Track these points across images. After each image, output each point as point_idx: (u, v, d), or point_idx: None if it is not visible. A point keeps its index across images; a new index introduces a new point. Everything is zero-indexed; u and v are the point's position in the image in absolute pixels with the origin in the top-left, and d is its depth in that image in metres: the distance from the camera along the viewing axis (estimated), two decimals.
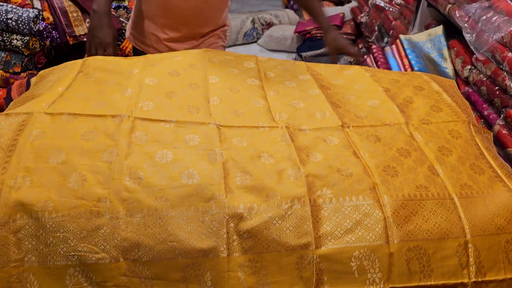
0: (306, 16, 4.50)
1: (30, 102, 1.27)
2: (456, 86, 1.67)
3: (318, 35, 3.99)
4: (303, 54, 3.83)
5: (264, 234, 1.03)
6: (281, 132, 1.25)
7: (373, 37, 3.37)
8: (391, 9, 3.21)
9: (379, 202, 1.08)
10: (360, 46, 3.63)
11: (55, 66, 1.58)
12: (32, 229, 1.00)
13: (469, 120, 1.37)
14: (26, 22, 2.42)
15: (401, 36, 2.44)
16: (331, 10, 4.52)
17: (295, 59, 3.04)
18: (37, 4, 2.67)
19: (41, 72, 1.57)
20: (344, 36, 3.63)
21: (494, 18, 1.76)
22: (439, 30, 2.31)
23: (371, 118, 1.35)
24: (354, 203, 1.08)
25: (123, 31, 2.94)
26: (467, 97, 1.92)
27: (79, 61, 1.54)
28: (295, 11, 5.33)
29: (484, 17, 1.81)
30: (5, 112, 1.22)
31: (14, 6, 2.48)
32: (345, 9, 4.41)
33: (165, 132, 1.19)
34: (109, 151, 1.11)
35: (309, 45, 3.95)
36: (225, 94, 1.39)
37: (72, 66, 1.51)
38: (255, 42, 4.74)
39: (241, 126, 1.25)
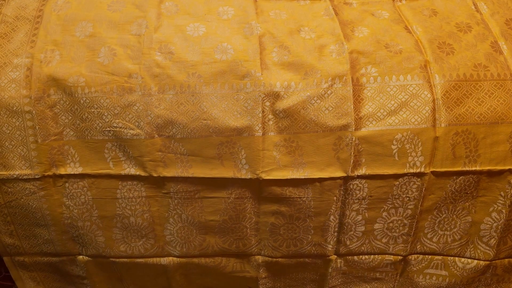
0: None
1: None
2: None
3: None
4: None
5: (301, 114, 0.98)
6: (324, 5, 1.12)
7: None
8: None
9: (429, 82, 0.99)
10: None
11: None
12: (67, 104, 1.00)
13: None
14: None
15: None
16: None
17: None
18: None
19: None
20: None
21: None
22: None
23: None
24: (401, 82, 0.99)
25: None
26: None
27: None
28: None
29: None
30: None
31: None
32: None
33: (196, 3, 1.09)
34: (138, 23, 1.04)
35: None
36: None
37: None
38: None
39: None
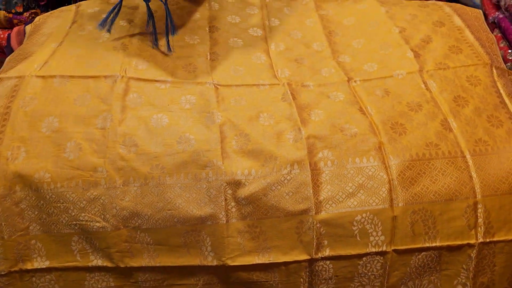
0: None
1: (23, 63, 1.22)
2: (483, 17, 1.50)
3: None
4: None
5: (262, 200, 1.00)
6: (282, 89, 1.18)
7: None
8: None
9: (385, 163, 1.03)
10: None
11: (50, 12, 1.53)
12: (33, 200, 1.01)
13: (491, 63, 1.24)
14: None
15: None
16: None
17: None
18: None
19: (36, 19, 1.51)
20: None
21: None
22: None
23: (381, 68, 1.25)
24: (358, 165, 1.03)
25: None
26: (497, 23, 1.74)
27: (73, 7, 1.48)
28: None
29: None
30: None
31: None
32: None
33: (160, 93, 1.14)
34: (103, 116, 1.07)
35: None
36: (224, 49, 1.30)
37: (66, 15, 1.45)
38: None
39: (240, 84, 1.19)
